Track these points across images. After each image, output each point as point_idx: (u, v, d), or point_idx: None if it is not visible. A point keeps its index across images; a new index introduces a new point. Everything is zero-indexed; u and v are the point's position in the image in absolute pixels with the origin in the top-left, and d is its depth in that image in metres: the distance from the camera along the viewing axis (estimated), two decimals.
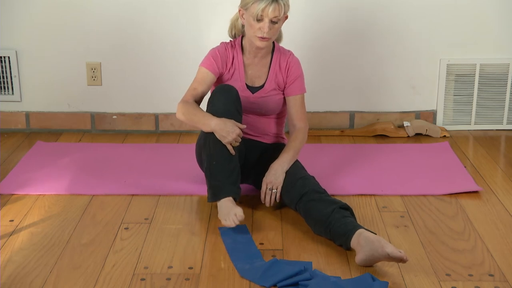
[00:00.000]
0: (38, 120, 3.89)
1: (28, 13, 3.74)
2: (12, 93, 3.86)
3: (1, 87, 3.85)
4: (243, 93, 2.93)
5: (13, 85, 3.84)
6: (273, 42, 2.98)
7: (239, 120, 2.81)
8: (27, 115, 3.89)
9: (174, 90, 3.79)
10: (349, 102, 3.90)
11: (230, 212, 2.66)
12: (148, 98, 3.87)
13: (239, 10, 2.87)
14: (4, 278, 2.35)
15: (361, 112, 3.91)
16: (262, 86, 2.97)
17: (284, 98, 3.00)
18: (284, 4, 2.79)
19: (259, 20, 2.79)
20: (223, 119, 2.73)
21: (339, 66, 3.84)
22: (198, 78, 2.92)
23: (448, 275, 2.38)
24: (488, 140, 3.76)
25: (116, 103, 3.88)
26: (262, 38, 2.82)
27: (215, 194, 2.74)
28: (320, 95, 3.87)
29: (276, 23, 2.81)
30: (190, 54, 3.70)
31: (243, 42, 2.96)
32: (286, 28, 3.50)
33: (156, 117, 3.89)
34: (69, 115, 3.88)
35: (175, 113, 3.79)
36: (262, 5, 2.75)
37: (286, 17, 2.89)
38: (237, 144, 2.75)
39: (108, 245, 2.59)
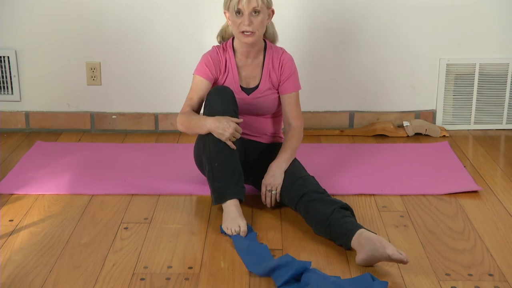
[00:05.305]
0: (38, 120, 3.89)
1: (28, 13, 3.73)
2: (12, 93, 3.86)
3: (0, 87, 3.85)
4: (238, 95, 2.92)
5: (13, 85, 3.84)
6: (265, 41, 2.98)
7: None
8: (27, 115, 3.88)
9: (174, 89, 3.80)
10: (349, 102, 3.90)
11: (234, 222, 2.66)
12: (148, 98, 3.87)
13: (224, 13, 2.87)
14: (4, 278, 2.35)
15: (361, 112, 3.91)
16: (257, 86, 2.96)
17: (279, 97, 3.00)
18: None
19: (239, 13, 2.79)
20: (217, 117, 2.74)
21: (339, 66, 3.84)
22: (194, 87, 2.92)
23: (447, 274, 2.38)
24: (487, 140, 3.76)
25: (115, 103, 3.88)
26: (246, 33, 2.81)
27: (220, 196, 2.74)
28: (320, 95, 3.87)
29: (258, 14, 2.80)
30: (190, 54, 3.70)
31: (234, 44, 2.95)
32: (286, 27, 3.51)
33: (156, 117, 3.89)
34: (69, 115, 3.88)
35: (174, 113, 3.82)
36: None
37: (273, 12, 2.89)
38: (235, 139, 2.75)
39: (108, 245, 2.59)
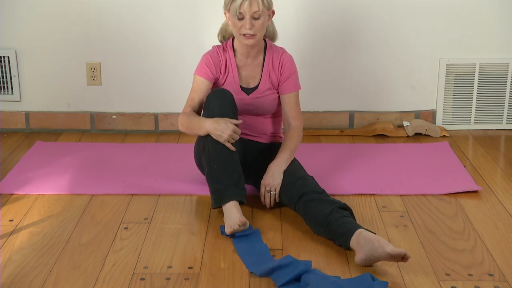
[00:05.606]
0: (38, 120, 3.89)
1: (28, 13, 3.73)
2: (12, 93, 3.86)
3: (0, 87, 3.85)
4: (238, 95, 2.92)
5: (13, 85, 3.84)
6: (265, 41, 2.98)
7: None
8: (27, 115, 3.88)
9: (174, 89, 3.80)
10: (349, 102, 3.90)
11: (233, 220, 2.64)
12: (148, 98, 3.87)
13: (225, 13, 2.87)
14: (4, 278, 2.35)
15: (361, 112, 3.91)
16: (257, 86, 2.96)
17: (279, 97, 2.99)
18: None
19: (240, 18, 2.79)
20: (216, 119, 2.74)
21: (339, 66, 3.84)
22: (195, 88, 2.92)
23: (447, 274, 2.38)
24: (487, 140, 3.76)
25: (115, 103, 3.88)
26: (247, 36, 2.81)
27: (219, 198, 2.73)
28: (320, 95, 3.87)
29: (258, 18, 2.80)
30: (190, 54, 3.70)
31: (234, 44, 2.95)
32: (285, 27, 3.51)
33: (156, 117, 3.89)
34: (69, 115, 3.88)
35: (174, 113, 3.83)
36: (238, 2, 2.75)
37: (273, 12, 2.88)
38: (234, 140, 2.75)
39: (108, 245, 2.59)
